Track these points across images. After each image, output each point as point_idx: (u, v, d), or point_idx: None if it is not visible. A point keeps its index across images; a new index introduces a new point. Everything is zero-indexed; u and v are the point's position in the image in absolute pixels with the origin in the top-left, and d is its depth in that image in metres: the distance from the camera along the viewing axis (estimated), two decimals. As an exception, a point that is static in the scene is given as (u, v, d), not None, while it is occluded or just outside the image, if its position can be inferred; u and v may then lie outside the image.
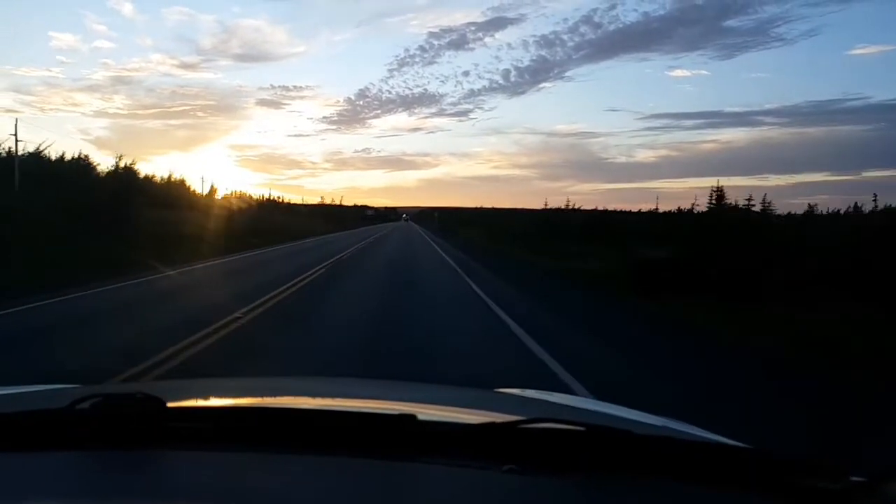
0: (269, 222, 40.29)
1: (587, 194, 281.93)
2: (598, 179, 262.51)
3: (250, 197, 67.69)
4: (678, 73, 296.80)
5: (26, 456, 1.08)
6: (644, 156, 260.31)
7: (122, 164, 35.25)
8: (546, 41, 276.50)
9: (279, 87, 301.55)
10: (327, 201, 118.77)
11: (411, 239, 43.65)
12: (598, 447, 1.08)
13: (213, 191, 57.35)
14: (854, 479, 0.98)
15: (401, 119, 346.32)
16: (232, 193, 60.92)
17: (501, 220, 67.46)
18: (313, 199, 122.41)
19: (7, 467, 1.05)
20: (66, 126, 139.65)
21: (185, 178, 48.21)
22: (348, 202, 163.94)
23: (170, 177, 45.64)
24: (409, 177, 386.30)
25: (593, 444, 1.09)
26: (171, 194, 38.83)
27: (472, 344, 7.62)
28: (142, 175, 38.28)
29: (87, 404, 1.11)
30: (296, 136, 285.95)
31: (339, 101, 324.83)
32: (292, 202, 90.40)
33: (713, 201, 18.03)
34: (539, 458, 1.07)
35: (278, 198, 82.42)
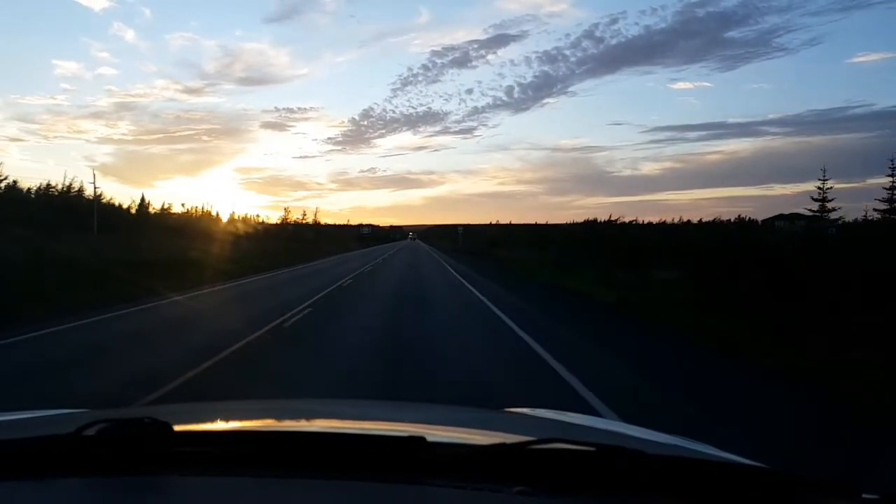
0: (178, 251, 26.08)
1: (593, 208, 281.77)
2: (603, 193, 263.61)
3: (199, 212, 54.51)
4: (681, 85, 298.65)
5: (33, 483, 1.08)
6: (649, 168, 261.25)
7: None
8: (548, 57, 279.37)
9: (283, 109, 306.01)
10: (296, 217, 79.26)
11: (430, 295, 16.06)
12: (609, 467, 1.07)
13: (145, 205, 48.29)
14: (867, 496, 0.97)
15: (405, 138, 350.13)
16: (164, 207, 50.22)
17: (541, 237, 49.41)
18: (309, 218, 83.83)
19: (14, 495, 1.04)
20: (71, 153, 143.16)
21: (101, 192, 40.34)
22: (328, 218, 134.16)
23: (69, 186, 37.80)
24: (414, 195, 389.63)
25: (605, 464, 1.08)
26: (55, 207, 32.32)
27: None
28: (24, 188, 32.82)
29: (93, 430, 1.12)
30: (301, 157, 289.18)
31: (343, 122, 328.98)
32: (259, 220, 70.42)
33: None
34: (550, 479, 1.06)
35: (257, 217, 70.19)
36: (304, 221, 77.17)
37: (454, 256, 43.61)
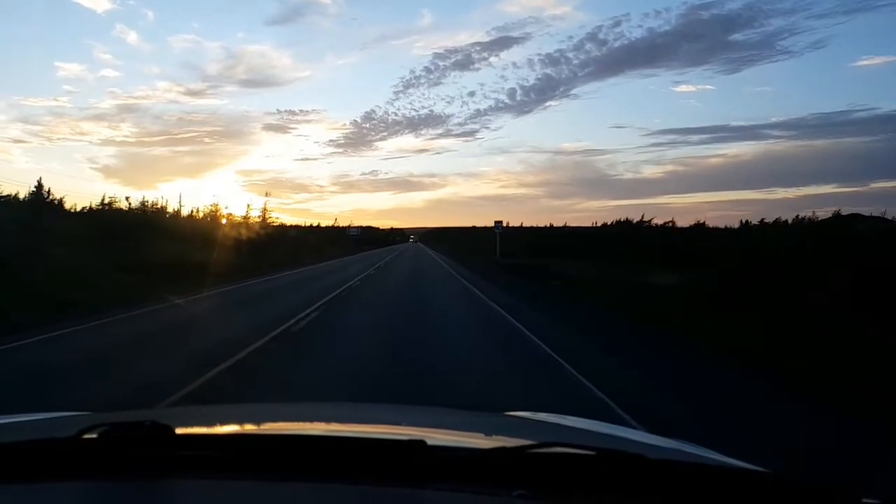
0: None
1: (595, 211, 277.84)
2: (605, 196, 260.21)
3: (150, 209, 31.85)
4: (684, 88, 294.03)
5: (32, 487, 1.07)
6: (651, 172, 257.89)
7: None
8: (551, 59, 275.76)
9: (285, 111, 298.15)
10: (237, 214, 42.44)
11: None
12: (609, 471, 1.07)
13: (43, 197, 30.49)
14: (867, 501, 0.97)
15: (407, 141, 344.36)
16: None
17: (585, 243, 38.39)
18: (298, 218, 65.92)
19: (15, 498, 1.04)
20: (74, 155, 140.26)
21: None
22: (324, 220, 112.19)
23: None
24: (416, 198, 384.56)
25: (604, 467, 1.07)
26: None
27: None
28: None
29: (94, 433, 1.12)
30: (303, 159, 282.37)
31: (345, 125, 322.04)
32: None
33: None
34: (550, 482, 1.06)
35: (213, 212, 38.07)
36: (246, 220, 43.33)
37: (530, 295, 17.04)
